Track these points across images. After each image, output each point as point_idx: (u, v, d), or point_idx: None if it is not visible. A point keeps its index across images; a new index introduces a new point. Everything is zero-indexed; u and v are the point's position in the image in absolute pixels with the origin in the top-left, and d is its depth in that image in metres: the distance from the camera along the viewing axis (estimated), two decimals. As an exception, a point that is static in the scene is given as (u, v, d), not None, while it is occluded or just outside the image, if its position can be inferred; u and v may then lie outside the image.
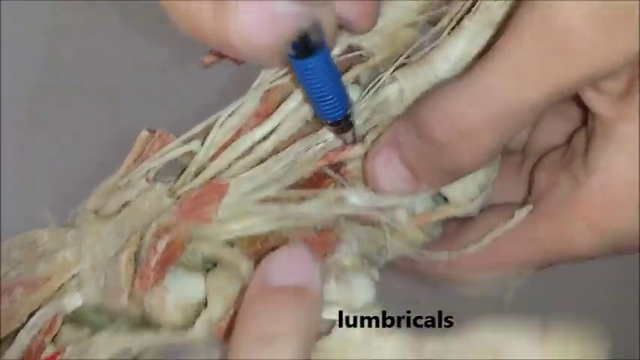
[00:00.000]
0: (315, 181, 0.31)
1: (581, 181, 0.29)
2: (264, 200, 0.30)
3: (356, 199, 0.30)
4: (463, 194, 0.31)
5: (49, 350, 0.30)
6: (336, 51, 0.30)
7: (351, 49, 0.31)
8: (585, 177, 0.29)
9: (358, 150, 0.30)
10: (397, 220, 0.30)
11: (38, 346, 0.30)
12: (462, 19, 0.30)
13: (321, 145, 0.30)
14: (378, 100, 0.30)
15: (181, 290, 0.30)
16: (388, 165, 0.30)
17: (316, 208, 0.30)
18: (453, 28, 0.30)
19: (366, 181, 0.31)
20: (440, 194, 0.31)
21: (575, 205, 0.29)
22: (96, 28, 0.85)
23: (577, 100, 0.30)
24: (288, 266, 0.27)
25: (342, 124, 0.29)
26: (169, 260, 0.29)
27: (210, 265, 0.31)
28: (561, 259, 0.31)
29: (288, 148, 0.30)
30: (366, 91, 0.30)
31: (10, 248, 0.30)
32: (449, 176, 0.30)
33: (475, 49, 0.30)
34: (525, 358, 0.27)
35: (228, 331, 0.28)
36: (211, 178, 0.30)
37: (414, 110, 0.29)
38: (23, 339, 0.30)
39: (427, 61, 0.30)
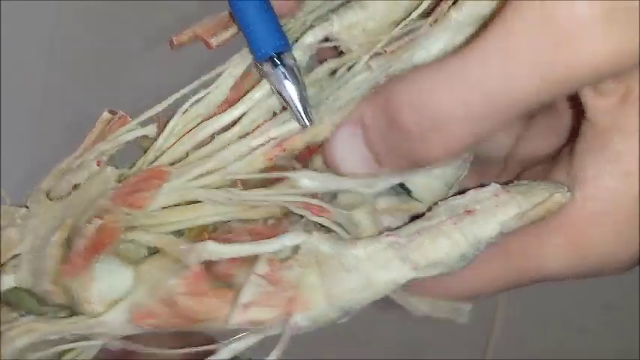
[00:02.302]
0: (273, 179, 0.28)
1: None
2: (209, 186, 0.27)
3: (307, 181, 0.27)
4: (429, 191, 0.28)
5: None
6: (311, 39, 0.28)
7: (327, 40, 0.28)
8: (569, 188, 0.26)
9: (313, 132, 0.27)
10: (355, 221, 0.27)
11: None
12: (447, 11, 0.27)
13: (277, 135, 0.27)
14: (348, 91, 0.27)
15: (109, 282, 0.27)
16: (351, 142, 0.27)
17: (264, 194, 0.27)
18: (436, 20, 0.27)
19: (324, 156, 0.28)
20: (401, 186, 0.28)
21: (554, 217, 0.26)
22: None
23: (563, 114, 0.28)
24: None
25: (275, 67, 0.27)
26: (98, 248, 0.27)
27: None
28: (532, 278, 0.28)
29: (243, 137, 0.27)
30: (336, 77, 0.28)
31: None
32: (414, 165, 0.27)
33: (458, 42, 0.27)
34: None
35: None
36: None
37: (384, 91, 0.26)
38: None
39: (405, 51, 0.27)
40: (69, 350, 0.29)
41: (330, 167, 0.28)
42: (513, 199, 0.25)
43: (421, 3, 0.27)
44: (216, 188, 0.27)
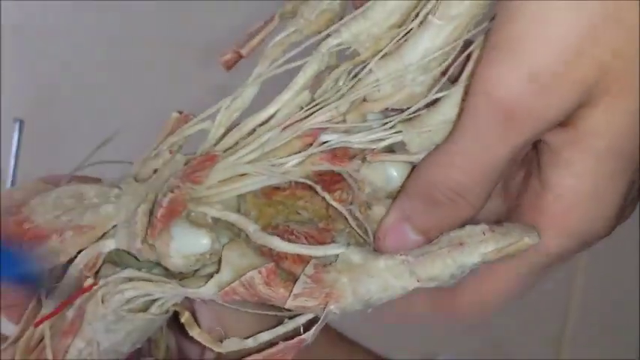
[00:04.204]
0: (329, 183, 0.36)
1: (540, 196, 0.34)
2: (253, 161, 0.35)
3: (328, 135, 0.35)
4: (421, 146, 0.35)
5: (89, 281, 0.37)
6: (330, 44, 0.35)
7: (340, 45, 0.35)
8: (542, 192, 0.34)
9: None
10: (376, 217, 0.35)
11: (80, 277, 0.37)
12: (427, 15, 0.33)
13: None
14: (357, 90, 0.35)
15: (184, 241, 0.36)
16: (403, 238, 0.34)
17: (295, 156, 0.35)
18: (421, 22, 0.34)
19: (379, 249, 0.35)
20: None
21: (541, 216, 0.34)
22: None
23: None
24: None
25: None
26: (173, 214, 0.35)
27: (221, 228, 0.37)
28: (537, 266, 0.35)
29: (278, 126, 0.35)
30: (345, 84, 0.35)
31: (61, 195, 0.37)
32: (452, 227, 0.34)
33: (439, 42, 0.33)
34: None
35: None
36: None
37: (413, 185, 0.34)
38: (72, 272, 0.38)
39: (397, 52, 0.34)
40: (155, 300, 0.38)
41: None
42: (494, 239, 0.33)
43: (416, 6, 0.34)
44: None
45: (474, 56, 0.33)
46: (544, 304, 0.91)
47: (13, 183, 0.36)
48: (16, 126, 0.37)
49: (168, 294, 0.37)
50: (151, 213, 0.36)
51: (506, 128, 0.31)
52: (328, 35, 0.35)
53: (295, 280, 0.34)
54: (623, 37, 0.29)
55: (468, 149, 0.32)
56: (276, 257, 0.35)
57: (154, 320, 0.38)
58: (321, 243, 0.35)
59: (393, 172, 0.36)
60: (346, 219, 0.35)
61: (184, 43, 0.90)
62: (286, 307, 0.34)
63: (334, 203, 0.35)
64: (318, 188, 0.35)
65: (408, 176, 0.35)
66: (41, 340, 0.39)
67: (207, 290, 0.35)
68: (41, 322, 0.38)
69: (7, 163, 0.37)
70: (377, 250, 0.35)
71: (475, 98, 0.31)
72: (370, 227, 0.35)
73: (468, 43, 0.34)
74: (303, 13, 0.36)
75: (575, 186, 0.32)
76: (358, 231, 0.35)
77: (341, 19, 0.35)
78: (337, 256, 0.34)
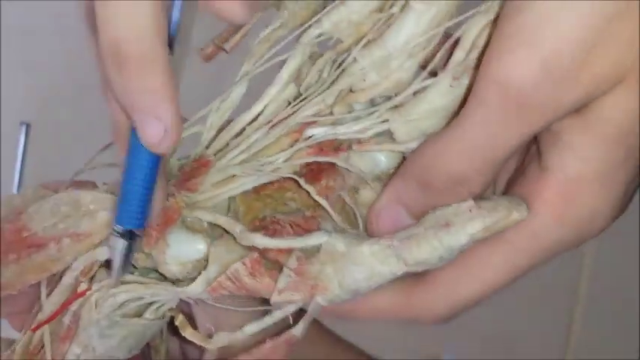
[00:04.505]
0: (315, 173, 0.36)
1: (539, 179, 0.33)
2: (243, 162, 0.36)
3: (314, 130, 0.35)
4: (408, 135, 0.34)
5: (83, 286, 0.38)
6: (311, 35, 0.35)
7: (321, 36, 0.35)
8: (542, 176, 0.33)
9: None
10: (363, 200, 0.35)
11: (77, 281, 0.38)
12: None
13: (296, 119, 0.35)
14: (343, 81, 0.34)
15: (180, 248, 0.36)
16: (396, 220, 0.34)
17: (283, 153, 0.35)
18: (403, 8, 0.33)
19: (370, 231, 0.35)
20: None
21: (538, 200, 0.33)
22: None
23: None
24: None
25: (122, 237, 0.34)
26: (168, 222, 0.36)
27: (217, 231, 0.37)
28: (531, 257, 0.33)
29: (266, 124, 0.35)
30: (330, 75, 0.35)
31: (58, 203, 0.38)
32: None
33: (422, 26, 0.33)
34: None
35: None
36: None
37: (410, 169, 0.34)
38: (68, 278, 0.38)
39: (380, 39, 0.34)
40: (150, 304, 0.38)
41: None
42: (481, 216, 0.32)
43: None
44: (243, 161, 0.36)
45: (464, 44, 0.33)
46: (550, 303, 0.91)
47: (19, 185, 0.36)
48: (23, 129, 0.37)
49: (160, 296, 0.37)
50: None
51: (517, 117, 0.30)
52: (309, 26, 0.35)
53: (280, 268, 0.34)
54: (637, 28, 0.29)
55: (473, 136, 0.31)
56: (261, 250, 0.35)
57: (150, 325, 0.38)
58: (308, 231, 0.35)
59: (381, 157, 0.35)
60: (331, 208, 0.35)
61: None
62: (272, 302, 0.34)
63: (317, 198, 0.35)
64: (302, 182, 0.35)
65: (400, 163, 0.35)
66: (42, 346, 0.40)
67: (195, 287, 0.35)
68: (38, 327, 0.39)
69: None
70: (369, 233, 0.34)
71: (485, 86, 0.30)
72: (359, 211, 0.35)
73: (448, 31, 0.34)
74: (287, 6, 0.36)
75: (580, 170, 0.32)
76: (336, 219, 0.35)
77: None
78: (320, 245, 0.34)
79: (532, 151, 0.34)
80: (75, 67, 0.93)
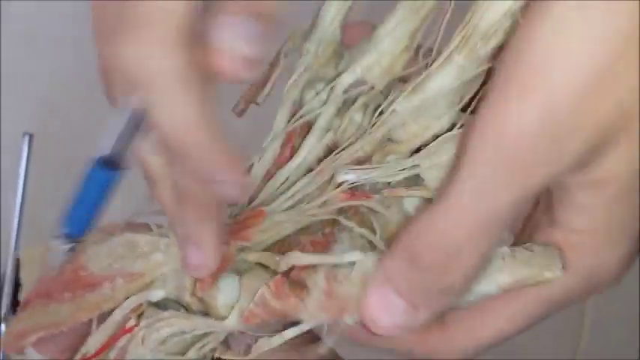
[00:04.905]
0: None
1: (548, 233, 0.33)
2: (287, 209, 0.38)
3: (345, 174, 0.37)
4: (437, 180, 0.35)
5: (131, 322, 0.39)
6: (344, 84, 0.37)
7: (357, 82, 0.37)
8: (551, 230, 0.33)
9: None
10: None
11: (126, 319, 0.40)
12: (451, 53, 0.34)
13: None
14: (382, 130, 0.36)
15: (230, 292, 0.38)
16: (385, 302, 0.32)
17: (319, 202, 0.37)
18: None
19: (365, 321, 0.34)
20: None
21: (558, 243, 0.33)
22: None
23: None
24: None
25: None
26: (220, 269, 0.38)
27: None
28: (543, 308, 0.34)
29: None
30: (369, 123, 0.37)
31: (114, 245, 0.40)
32: (446, 297, 0.32)
33: (463, 80, 0.34)
34: None
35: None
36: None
37: (398, 245, 0.32)
38: (117, 316, 0.40)
39: (421, 90, 0.35)
40: (197, 341, 0.40)
41: (373, 330, 0.33)
42: (512, 269, 0.32)
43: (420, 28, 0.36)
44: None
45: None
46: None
47: (22, 197, 0.38)
48: (25, 140, 0.39)
49: (200, 329, 0.38)
50: None
51: (512, 178, 0.29)
52: (340, 74, 0.37)
53: (304, 286, 0.35)
54: (636, 72, 0.28)
55: (463, 203, 0.29)
56: (284, 271, 0.36)
57: (192, 364, 0.40)
58: (326, 247, 0.37)
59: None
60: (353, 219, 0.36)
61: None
62: (303, 319, 0.35)
63: (357, 229, 0.36)
64: (343, 221, 0.37)
65: None
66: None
67: (230, 319, 0.37)
68: (83, 361, 0.40)
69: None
70: (360, 317, 0.34)
71: (477, 140, 0.29)
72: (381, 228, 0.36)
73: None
74: (309, 49, 0.38)
75: (587, 224, 0.32)
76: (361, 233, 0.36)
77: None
78: (353, 263, 0.34)
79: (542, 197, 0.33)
80: (78, 77, 0.93)
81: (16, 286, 0.42)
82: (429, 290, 0.32)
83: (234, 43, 0.29)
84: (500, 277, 0.33)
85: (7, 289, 0.41)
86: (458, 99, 0.35)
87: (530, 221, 0.35)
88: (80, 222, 0.37)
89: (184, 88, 0.29)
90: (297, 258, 0.36)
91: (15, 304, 0.41)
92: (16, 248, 0.41)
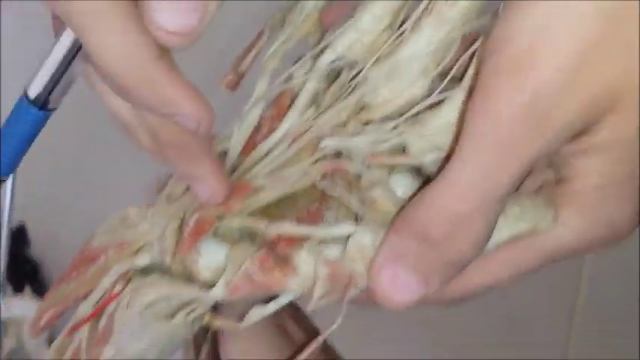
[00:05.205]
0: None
1: (554, 189, 0.34)
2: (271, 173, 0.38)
3: (329, 140, 0.37)
4: (422, 149, 0.35)
5: (118, 288, 0.40)
6: (324, 62, 0.38)
7: (338, 59, 0.37)
8: (557, 186, 0.33)
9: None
10: (372, 198, 0.36)
11: (113, 287, 0.41)
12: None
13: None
14: (356, 95, 0.37)
15: (210, 256, 0.38)
16: (396, 280, 0.33)
17: (301, 167, 0.37)
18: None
19: (376, 299, 0.34)
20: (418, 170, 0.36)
21: (565, 196, 0.33)
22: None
23: None
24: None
25: None
26: (200, 233, 0.38)
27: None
28: (543, 259, 0.34)
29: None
30: (346, 92, 0.37)
31: (113, 220, 0.42)
32: (457, 267, 0.33)
33: (434, 44, 0.35)
34: None
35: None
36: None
37: (405, 222, 0.33)
38: (105, 283, 0.41)
39: (393, 55, 0.36)
40: (183, 307, 0.41)
41: (385, 306, 0.34)
42: (507, 226, 0.33)
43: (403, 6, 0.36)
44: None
45: (476, 57, 0.33)
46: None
47: (13, 181, 0.39)
48: None
49: (184, 296, 0.39)
50: (180, 231, 0.39)
51: (511, 151, 0.30)
52: (322, 51, 0.37)
53: (290, 262, 0.35)
54: (628, 53, 0.29)
55: (468, 176, 0.31)
56: (270, 244, 0.37)
57: (177, 329, 0.41)
58: (312, 224, 0.37)
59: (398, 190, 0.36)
60: (339, 199, 0.37)
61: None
62: (309, 309, 0.35)
63: (345, 198, 0.36)
64: (328, 190, 0.37)
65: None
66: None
67: (216, 290, 0.37)
68: (74, 329, 0.42)
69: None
70: (369, 292, 0.35)
71: (476, 122, 0.31)
72: (364, 196, 0.36)
73: (468, 41, 0.34)
74: (292, 20, 0.38)
75: (591, 184, 0.32)
76: (356, 207, 0.36)
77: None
78: (346, 239, 0.35)
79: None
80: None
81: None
82: (440, 263, 0.33)
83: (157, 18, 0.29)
84: (496, 235, 0.33)
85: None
86: (433, 65, 0.36)
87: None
88: (6, 160, 0.37)
89: (123, 15, 0.29)
90: (286, 227, 0.36)
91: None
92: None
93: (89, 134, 0.98)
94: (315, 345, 0.36)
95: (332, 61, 0.38)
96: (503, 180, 0.31)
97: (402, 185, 0.37)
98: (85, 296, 0.42)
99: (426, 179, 0.37)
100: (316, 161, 0.38)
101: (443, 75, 0.36)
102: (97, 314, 0.41)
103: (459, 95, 0.34)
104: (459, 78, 0.35)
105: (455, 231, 0.32)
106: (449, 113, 0.35)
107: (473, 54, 0.34)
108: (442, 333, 0.98)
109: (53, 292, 0.43)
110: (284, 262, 0.36)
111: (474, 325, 0.99)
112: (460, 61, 0.35)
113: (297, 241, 0.36)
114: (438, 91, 0.35)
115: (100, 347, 0.41)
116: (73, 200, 1.04)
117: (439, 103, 0.35)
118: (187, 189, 0.41)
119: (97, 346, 0.41)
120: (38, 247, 1.06)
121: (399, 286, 0.33)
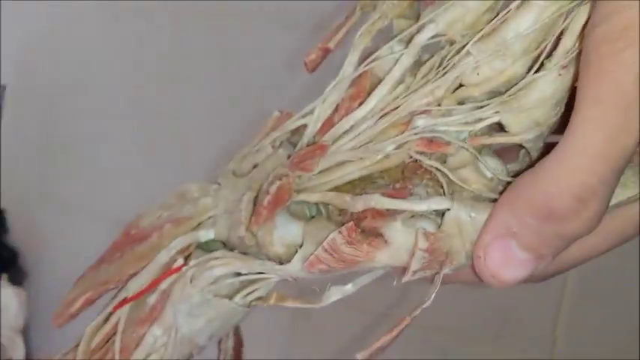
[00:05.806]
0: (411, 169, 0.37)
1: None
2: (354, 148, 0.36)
3: (422, 120, 0.35)
4: (520, 126, 0.34)
5: (179, 262, 0.38)
6: (424, 37, 0.36)
7: (436, 36, 0.36)
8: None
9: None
10: (463, 177, 0.35)
11: (172, 260, 0.38)
12: None
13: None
14: (455, 72, 0.35)
15: (286, 230, 0.36)
16: (507, 257, 0.32)
17: (392, 141, 0.35)
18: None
19: (483, 277, 0.33)
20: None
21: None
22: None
23: None
24: None
25: None
26: (279, 202, 0.36)
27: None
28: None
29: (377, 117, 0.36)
30: (442, 66, 0.35)
31: (168, 198, 0.39)
32: (569, 243, 0.32)
33: (541, 23, 0.33)
34: None
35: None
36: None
37: (521, 200, 0.32)
38: (163, 257, 0.38)
39: (497, 33, 0.34)
40: (244, 287, 0.38)
41: (492, 284, 0.33)
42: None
43: None
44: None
45: (572, 31, 0.33)
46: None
47: None
48: None
49: (256, 270, 0.37)
50: (255, 201, 0.37)
51: (635, 114, 0.29)
52: (423, 26, 0.36)
53: (377, 234, 0.34)
54: None
55: (594, 144, 0.29)
56: (355, 220, 0.35)
57: (235, 311, 0.38)
58: (400, 199, 0.35)
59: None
60: (423, 174, 0.36)
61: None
62: (403, 281, 0.34)
63: (440, 167, 0.35)
64: (426, 161, 0.35)
65: None
66: (107, 340, 0.40)
67: (293, 266, 0.35)
68: (121, 304, 0.39)
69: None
70: (475, 271, 0.33)
71: (600, 86, 0.29)
72: (451, 176, 0.35)
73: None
74: (383, 4, 0.37)
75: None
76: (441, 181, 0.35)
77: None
78: (441, 213, 0.34)
79: None
80: (52, 35, 0.95)
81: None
82: (556, 238, 0.32)
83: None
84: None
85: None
86: (535, 44, 0.35)
87: None
88: None
89: None
90: (376, 201, 0.35)
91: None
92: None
93: (69, 124, 0.95)
94: (406, 322, 0.34)
95: (431, 37, 0.36)
96: (629, 143, 0.29)
97: (491, 166, 0.36)
98: (133, 276, 0.39)
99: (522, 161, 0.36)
100: (407, 141, 0.36)
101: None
102: (150, 289, 0.38)
103: (553, 69, 0.33)
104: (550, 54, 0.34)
105: (581, 206, 0.30)
106: (544, 87, 0.34)
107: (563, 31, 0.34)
108: (428, 332, 0.96)
109: (88, 276, 0.40)
110: (373, 234, 0.34)
111: (462, 321, 0.98)
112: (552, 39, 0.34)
113: (386, 215, 0.35)
114: (535, 69, 0.34)
115: (142, 327, 0.39)
116: (52, 188, 1.01)
117: (533, 80, 0.34)
118: (256, 165, 0.39)
119: (138, 327, 0.39)
120: (17, 234, 1.02)
121: (511, 263, 0.32)
